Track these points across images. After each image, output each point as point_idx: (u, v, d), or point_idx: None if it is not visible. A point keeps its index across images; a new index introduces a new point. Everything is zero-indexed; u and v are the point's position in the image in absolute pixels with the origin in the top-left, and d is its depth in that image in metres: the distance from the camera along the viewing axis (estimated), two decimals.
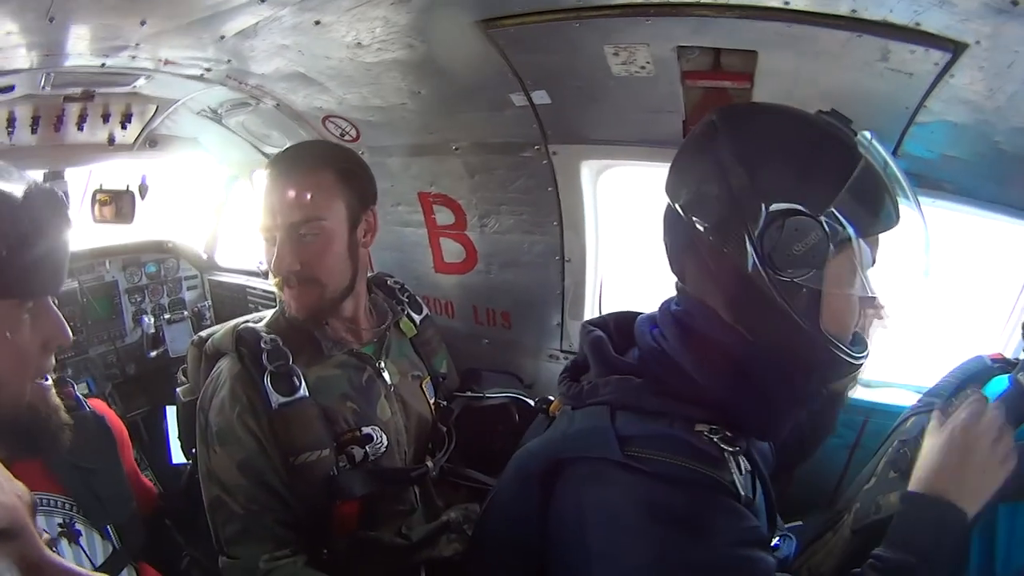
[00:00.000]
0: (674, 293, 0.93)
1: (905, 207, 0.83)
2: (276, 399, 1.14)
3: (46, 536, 0.60)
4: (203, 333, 1.36)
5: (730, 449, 0.79)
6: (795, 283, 0.78)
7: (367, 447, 1.21)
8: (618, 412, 0.83)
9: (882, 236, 0.84)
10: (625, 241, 1.89)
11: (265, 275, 2.70)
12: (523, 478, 0.88)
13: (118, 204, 2.49)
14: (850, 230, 0.77)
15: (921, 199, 0.85)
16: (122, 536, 1.01)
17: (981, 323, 1.61)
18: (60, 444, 0.90)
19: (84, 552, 0.94)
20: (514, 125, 1.59)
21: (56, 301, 0.85)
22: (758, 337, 0.82)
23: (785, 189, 0.77)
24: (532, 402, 1.49)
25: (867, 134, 0.81)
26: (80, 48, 1.43)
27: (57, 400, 0.91)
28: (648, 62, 1.25)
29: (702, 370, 0.83)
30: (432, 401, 1.42)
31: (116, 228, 2.58)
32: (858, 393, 1.22)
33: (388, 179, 1.92)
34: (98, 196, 2.48)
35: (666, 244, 0.90)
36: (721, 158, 0.79)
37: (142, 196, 2.52)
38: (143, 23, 1.30)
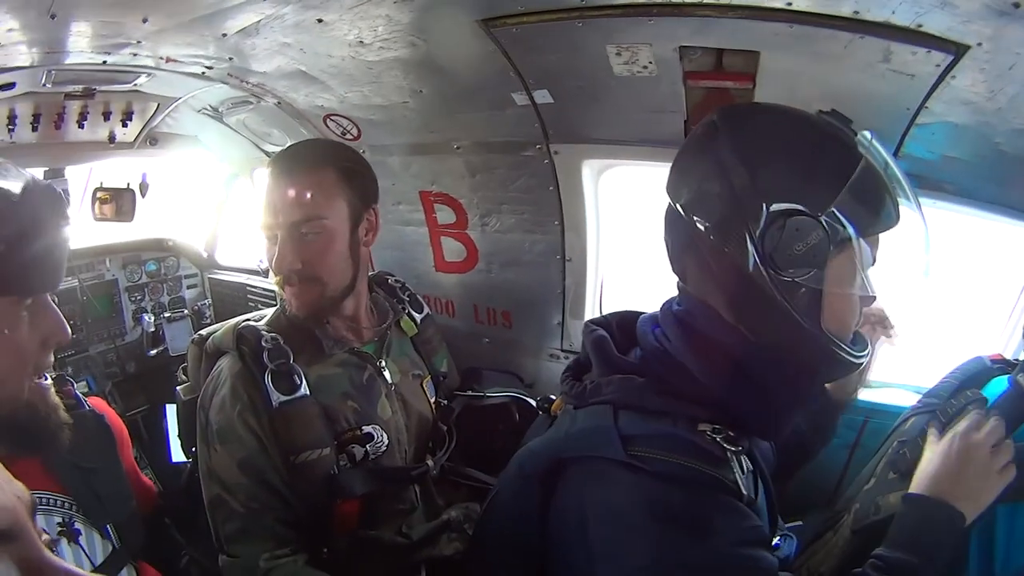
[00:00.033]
0: (675, 293, 0.93)
1: (905, 207, 0.83)
2: (277, 397, 1.14)
3: (46, 537, 0.60)
4: (204, 331, 1.36)
5: (732, 449, 0.79)
6: (796, 283, 0.78)
7: (368, 446, 1.21)
8: (621, 411, 0.83)
9: (882, 236, 0.84)
10: (626, 241, 1.89)
11: (266, 273, 2.71)
12: (524, 477, 0.88)
13: (118, 202, 2.49)
14: (850, 230, 0.78)
15: (922, 200, 0.85)
16: (122, 535, 1.01)
17: (981, 324, 1.61)
18: (59, 443, 0.90)
19: (84, 551, 0.94)
20: (515, 124, 1.59)
21: (56, 299, 0.85)
22: (759, 337, 0.82)
23: (786, 189, 0.77)
24: (533, 401, 1.50)
25: (867, 134, 0.82)
26: (81, 45, 1.43)
27: (56, 399, 0.90)
28: (650, 62, 1.26)
29: (704, 370, 0.83)
30: (433, 400, 1.42)
31: (116, 226, 2.57)
32: (859, 393, 1.23)
33: (389, 178, 1.92)
34: (98, 194, 2.48)
35: (667, 244, 0.90)
36: (722, 158, 0.79)
37: (143, 194, 2.51)
38: (145, 20, 1.30)
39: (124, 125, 2.24)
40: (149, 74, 1.76)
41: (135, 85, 1.88)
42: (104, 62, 1.56)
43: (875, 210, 0.80)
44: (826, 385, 1.13)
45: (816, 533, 1.13)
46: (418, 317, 1.48)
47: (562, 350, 1.91)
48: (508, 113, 1.56)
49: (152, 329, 2.90)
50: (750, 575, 0.74)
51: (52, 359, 0.86)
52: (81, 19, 1.28)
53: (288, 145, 1.38)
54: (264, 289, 2.82)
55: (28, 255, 0.77)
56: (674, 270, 0.91)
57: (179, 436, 1.44)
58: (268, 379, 1.15)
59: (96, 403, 1.13)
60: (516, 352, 1.99)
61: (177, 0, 1.25)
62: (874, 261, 0.83)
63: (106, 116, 2.13)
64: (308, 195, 1.18)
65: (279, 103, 1.94)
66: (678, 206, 0.85)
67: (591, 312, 1.83)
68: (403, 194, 1.99)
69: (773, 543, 0.94)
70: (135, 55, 1.55)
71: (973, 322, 1.78)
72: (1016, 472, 0.87)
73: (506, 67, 1.41)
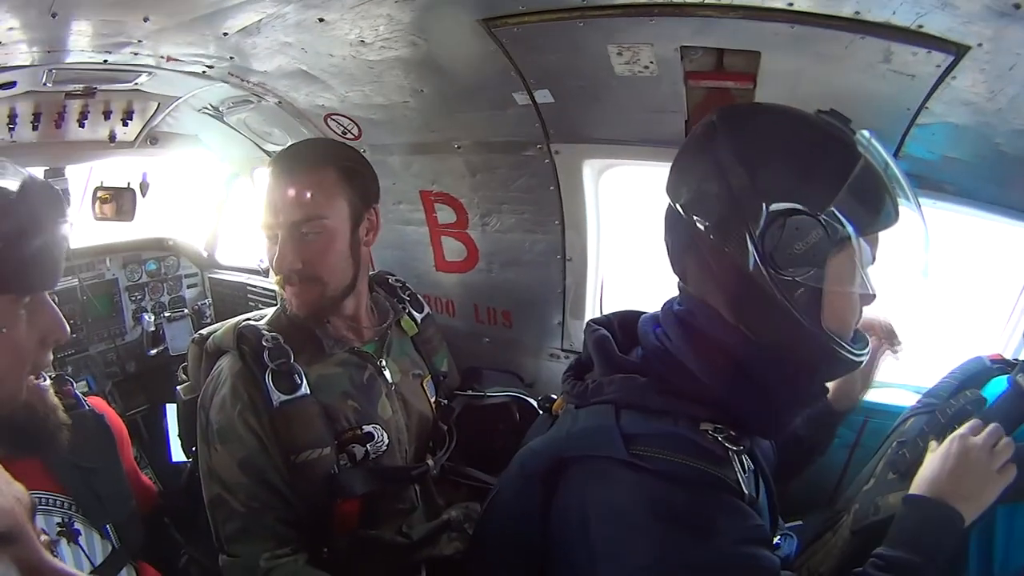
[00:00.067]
0: (675, 293, 0.93)
1: (904, 206, 0.83)
2: (277, 397, 1.14)
3: (45, 538, 0.60)
4: (204, 331, 1.36)
5: (734, 448, 0.79)
6: (796, 282, 0.78)
7: (368, 445, 1.21)
8: (623, 411, 0.83)
9: (882, 235, 0.85)
10: (626, 240, 1.89)
11: (266, 273, 2.72)
12: (526, 476, 0.88)
13: (119, 202, 2.49)
14: (850, 228, 0.78)
15: (922, 200, 0.86)
16: (121, 535, 1.01)
17: (981, 324, 1.61)
18: (58, 444, 0.90)
19: (83, 551, 0.94)
20: (516, 124, 1.59)
21: (56, 299, 0.85)
22: (760, 336, 0.83)
23: (785, 189, 0.77)
24: (533, 401, 1.50)
25: (866, 133, 0.82)
26: (82, 44, 1.43)
27: (55, 400, 0.90)
28: (651, 62, 1.26)
29: (705, 369, 0.83)
30: (433, 400, 1.42)
31: (117, 226, 2.57)
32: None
33: (390, 177, 1.92)
34: (99, 193, 2.48)
35: (667, 244, 0.90)
36: (721, 158, 0.80)
37: (143, 193, 2.51)
38: (146, 19, 1.30)
39: (124, 124, 2.24)
40: (150, 73, 1.76)
41: (136, 84, 1.88)
42: (105, 61, 1.56)
43: (874, 209, 0.80)
44: (828, 397, 1.14)
45: (816, 533, 1.13)
46: (418, 317, 1.48)
47: (562, 350, 1.91)
48: (509, 113, 1.56)
49: (152, 329, 2.90)
50: (752, 574, 0.75)
51: (51, 358, 0.86)
52: (82, 18, 1.28)
53: (289, 144, 1.38)
54: (264, 289, 2.82)
55: (26, 253, 0.76)
56: (674, 270, 0.92)
57: (179, 436, 1.44)
58: (268, 378, 1.15)
59: (96, 403, 1.13)
60: (516, 352, 1.99)
61: None
62: (874, 260, 0.83)
63: (106, 115, 2.13)
64: (309, 195, 1.18)
65: (280, 102, 1.94)
66: (678, 206, 0.85)
67: (591, 312, 1.83)
68: (403, 193, 1.99)
69: (774, 542, 0.94)
70: (136, 54, 1.55)
71: (973, 322, 1.79)
72: (1016, 472, 0.87)
73: (507, 67, 1.41)
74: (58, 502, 0.95)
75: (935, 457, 0.90)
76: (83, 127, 2.13)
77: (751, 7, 1.06)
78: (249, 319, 1.32)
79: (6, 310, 0.78)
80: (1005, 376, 1.00)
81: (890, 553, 0.84)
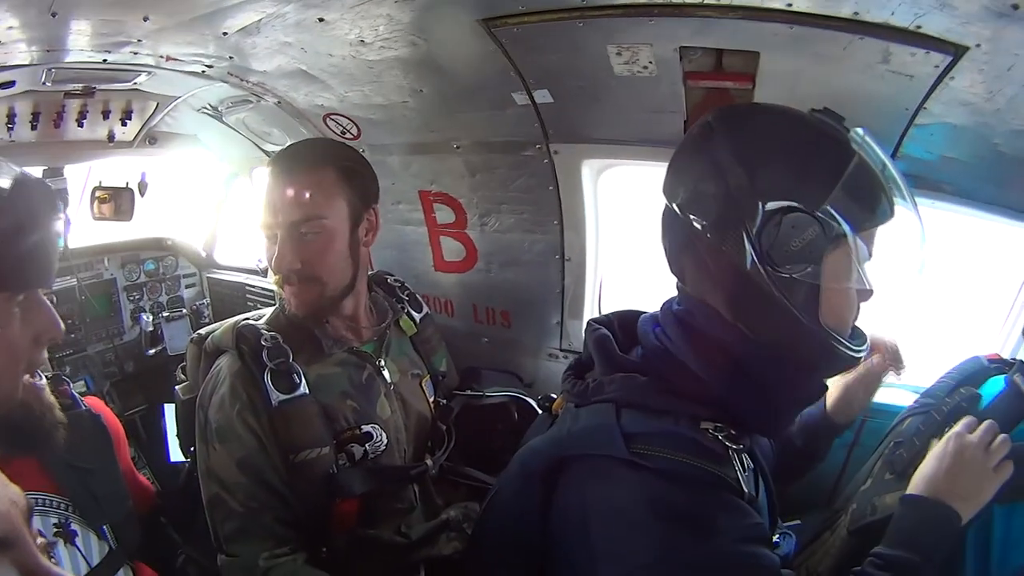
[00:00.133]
0: (674, 293, 0.93)
1: (899, 201, 0.84)
2: (276, 396, 1.14)
3: (42, 541, 0.59)
4: (203, 331, 1.36)
5: (734, 447, 0.80)
6: (794, 279, 0.79)
7: (367, 445, 1.21)
8: (623, 410, 0.83)
9: (879, 233, 0.85)
10: (625, 241, 1.89)
11: (264, 273, 2.71)
12: (526, 475, 0.88)
13: (117, 201, 2.49)
14: (845, 225, 0.78)
15: (920, 200, 0.86)
16: (118, 536, 1.01)
17: (979, 324, 1.62)
18: (55, 442, 0.90)
19: (80, 552, 0.93)
20: (516, 124, 1.59)
21: (55, 299, 0.85)
22: (759, 334, 0.83)
23: (781, 187, 0.78)
24: (532, 401, 1.50)
25: (859, 131, 0.82)
26: (82, 43, 1.43)
27: (51, 398, 0.90)
28: (651, 62, 1.26)
29: (705, 368, 0.83)
30: (432, 399, 1.42)
31: (115, 225, 2.57)
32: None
33: (389, 177, 1.92)
34: (97, 193, 2.47)
35: (665, 245, 0.91)
36: (718, 158, 0.80)
37: (141, 193, 2.51)
38: (146, 19, 1.30)
39: (123, 124, 2.24)
40: (149, 73, 1.76)
41: (135, 84, 1.88)
42: (104, 60, 1.56)
43: (869, 205, 0.81)
44: (828, 409, 1.14)
45: (814, 533, 1.13)
46: (417, 316, 1.48)
47: (561, 350, 1.91)
48: (508, 113, 1.56)
49: (150, 328, 2.90)
50: (753, 573, 0.75)
51: (46, 356, 0.85)
52: (82, 17, 1.28)
53: (288, 144, 1.37)
54: (262, 288, 2.82)
55: (19, 250, 0.76)
56: (672, 271, 0.92)
57: (177, 436, 1.44)
58: (267, 378, 1.15)
59: (92, 403, 1.13)
60: (515, 352, 1.99)
61: None
62: (870, 256, 0.83)
63: (105, 115, 2.13)
64: (308, 195, 1.18)
65: (279, 102, 1.94)
66: (675, 206, 0.85)
67: (590, 312, 1.84)
68: (402, 193, 1.99)
69: (773, 541, 0.94)
70: (135, 54, 1.55)
71: (970, 322, 1.79)
72: (1013, 470, 0.87)
73: (506, 67, 1.41)
74: (55, 503, 0.94)
75: (931, 456, 0.90)
76: (82, 127, 2.13)
77: (750, 8, 1.06)
78: (248, 319, 1.32)
79: (0, 308, 0.78)
80: (1002, 376, 1.01)
81: (888, 552, 0.84)
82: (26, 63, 1.49)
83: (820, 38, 1.05)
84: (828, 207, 0.77)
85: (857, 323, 0.87)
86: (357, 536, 1.19)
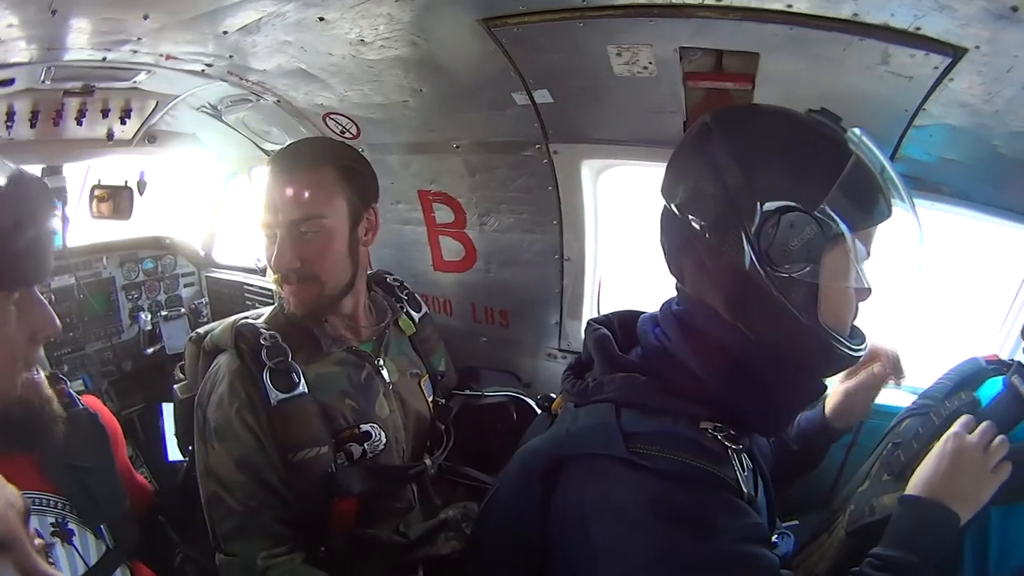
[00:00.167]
0: (673, 293, 0.94)
1: (896, 201, 0.84)
2: (275, 395, 1.14)
3: (40, 541, 0.59)
4: (201, 330, 1.36)
5: (734, 447, 0.80)
6: (792, 278, 0.79)
7: (365, 444, 1.21)
8: (623, 409, 0.83)
9: (877, 233, 0.85)
10: (624, 241, 1.90)
11: (263, 272, 2.71)
12: (525, 475, 0.88)
13: (116, 200, 2.49)
14: (843, 225, 0.78)
15: (919, 202, 0.86)
16: (116, 535, 1.00)
17: (977, 325, 1.62)
18: (54, 436, 0.89)
19: (78, 552, 0.93)
20: (515, 124, 1.59)
21: (53, 297, 0.84)
22: (758, 334, 0.83)
23: (779, 187, 0.78)
24: (530, 401, 1.50)
25: (856, 131, 0.83)
26: (81, 42, 1.43)
27: (49, 391, 0.90)
28: (651, 62, 1.26)
29: (704, 368, 0.83)
30: (430, 399, 1.41)
31: (114, 224, 2.57)
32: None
33: (388, 177, 1.92)
34: (96, 192, 2.47)
35: (663, 246, 0.91)
36: (716, 158, 0.80)
37: (140, 192, 2.51)
38: (146, 17, 1.30)
39: (123, 123, 2.23)
40: (149, 71, 1.76)
41: (134, 82, 1.88)
42: (104, 59, 1.56)
43: (867, 204, 0.81)
44: (828, 415, 1.14)
45: (812, 534, 1.13)
46: (416, 316, 1.48)
47: (560, 350, 1.91)
48: (508, 113, 1.56)
49: (149, 327, 2.90)
50: (752, 573, 0.75)
51: (42, 353, 0.85)
52: (82, 15, 1.28)
53: (288, 143, 1.37)
54: (261, 288, 2.82)
55: (14, 247, 0.75)
56: (671, 271, 0.92)
57: (176, 434, 1.44)
58: (266, 377, 1.15)
59: (89, 401, 1.12)
60: (514, 351, 1.99)
61: None
62: (868, 254, 0.83)
63: (104, 113, 2.13)
64: (307, 194, 1.18)
65: (278, 101, 1.94)
66: (673, 207, 0.86)
67: (589, 312, 1.84)
68: (402, 193, 1.99)
69: (772, 540, 0.94)
70: (135, 52, 1.54)
71: (969, 323, 1.79)
72: (1011, 471, 0.87)
73: (506, 67, 1.41)
74: (52, 502, 0.94)
75: (930, 457, 0.90)
76: (81, 125, 2.13)
77: (750, 8, 1.06)
78: (247, 318, 1.32)
79: None
80: (1000, 377, 1.01)
81: (887, 553, 0.84)
82: (25, 61, 1.48)
83: (820, 39, 1.06)
84: (826, 207, 0.77)
85: (856, 323, 0.87)
86: (355, 535, 1.19)
